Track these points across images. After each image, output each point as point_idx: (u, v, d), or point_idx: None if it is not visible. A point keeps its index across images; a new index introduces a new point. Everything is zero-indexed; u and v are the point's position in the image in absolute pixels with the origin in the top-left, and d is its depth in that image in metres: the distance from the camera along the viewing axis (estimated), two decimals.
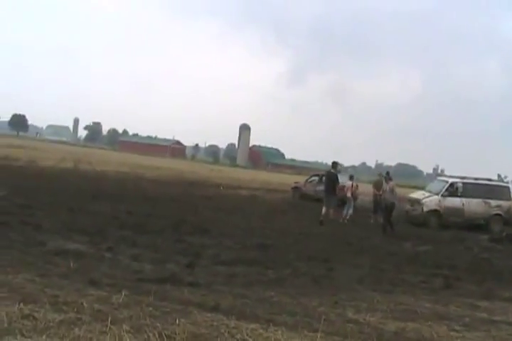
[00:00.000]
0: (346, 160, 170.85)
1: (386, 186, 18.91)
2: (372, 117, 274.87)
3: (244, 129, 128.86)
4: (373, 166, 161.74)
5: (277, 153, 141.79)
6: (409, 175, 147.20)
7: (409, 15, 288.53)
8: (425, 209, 21.85)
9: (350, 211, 20.86)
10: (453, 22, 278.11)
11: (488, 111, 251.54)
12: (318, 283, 8.76)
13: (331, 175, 19.75)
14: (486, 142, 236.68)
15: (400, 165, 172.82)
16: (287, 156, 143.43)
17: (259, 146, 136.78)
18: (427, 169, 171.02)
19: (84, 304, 5.10)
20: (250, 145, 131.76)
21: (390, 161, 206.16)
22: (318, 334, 4.75)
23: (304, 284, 8.52)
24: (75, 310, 4.86)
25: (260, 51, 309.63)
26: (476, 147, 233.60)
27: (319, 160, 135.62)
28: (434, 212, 21.82)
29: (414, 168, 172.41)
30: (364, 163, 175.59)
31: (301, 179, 33.24)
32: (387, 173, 20.37)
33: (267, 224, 16.02)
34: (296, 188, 31.21)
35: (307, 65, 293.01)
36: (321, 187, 27.62)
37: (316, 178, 29.97)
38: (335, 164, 20.74)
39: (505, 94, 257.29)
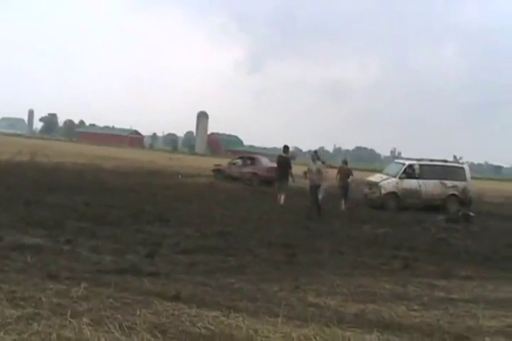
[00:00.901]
0: (305, 145, 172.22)
1: (313, 166, 17.90)
2: (329, 102, 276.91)
3: (202, 117, 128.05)
4: (331, 150, 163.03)
5: (236, 140, 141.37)
6: (368, 158, 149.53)
7: (368, 2, 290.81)
8: (383, 191, 22.13)
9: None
10: (412, 9, 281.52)
11: (443, 97, 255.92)
12: (279, 268, 8.81)
13: (282, 159, 19.22)
14: (441, 125, 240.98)
15: (358, 148, 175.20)
16: (246, 143, 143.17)
17: (218, 134, 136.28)
18: (384, 152, 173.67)
19: (43, 298, 5.03)
20: (209, 132, 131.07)
21: (348, 145, 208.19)
22: (279, 319, 4.78)
23: (265, 270, 8.56)
24: (33, 305, 4.79)
25: (219, 38, 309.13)
26: (432, 130, 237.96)
27: (278, 146, 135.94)
28: (392, 194, 22.14)
29: (372, 151, 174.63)
30: (322, 148, 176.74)
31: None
32: (315, 152, 19.36)
33: (227, 212, 16.02)
34: (218, 170, 31.98)
35: (266, 52, 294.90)
36: (246, 169, 29.76)
37: (240, 161, 31.63)
38: (286, 148, 19.98)
39: (459, 80, 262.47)
